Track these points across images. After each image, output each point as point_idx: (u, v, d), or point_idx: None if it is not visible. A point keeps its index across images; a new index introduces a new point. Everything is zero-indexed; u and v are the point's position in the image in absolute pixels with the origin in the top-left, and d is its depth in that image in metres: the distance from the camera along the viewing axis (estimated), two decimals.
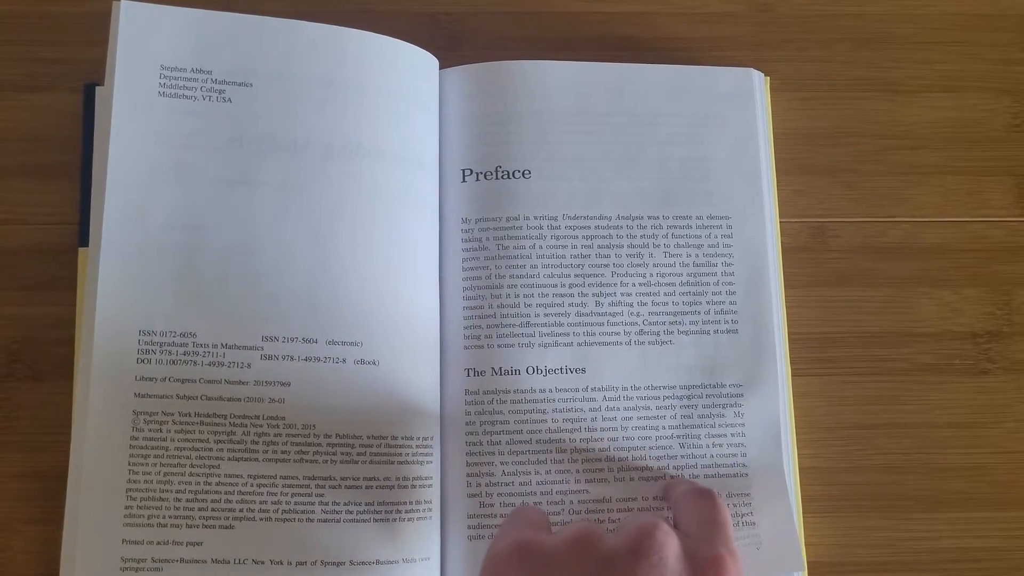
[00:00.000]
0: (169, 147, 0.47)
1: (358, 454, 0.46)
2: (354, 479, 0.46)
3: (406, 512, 0.46)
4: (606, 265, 0.49)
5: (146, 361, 0.45)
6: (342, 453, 0.46)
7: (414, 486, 0.46)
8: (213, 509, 0.45)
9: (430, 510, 0.46)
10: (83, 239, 0.50)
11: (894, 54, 0.54)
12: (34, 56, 0.52)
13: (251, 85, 0.48)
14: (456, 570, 0.46)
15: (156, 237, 0.46)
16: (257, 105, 0.48)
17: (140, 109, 0.47)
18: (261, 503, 0.45)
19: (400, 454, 0.46)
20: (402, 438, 0.46)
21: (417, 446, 0.47)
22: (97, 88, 0.51)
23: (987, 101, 0.54)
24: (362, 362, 0.47)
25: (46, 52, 0.52)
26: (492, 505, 0.47)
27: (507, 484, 0.47)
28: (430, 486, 0.47)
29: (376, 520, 0.45)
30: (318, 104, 0.48)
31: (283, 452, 0.45)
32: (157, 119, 0.47)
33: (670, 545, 0.37)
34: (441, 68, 0.51)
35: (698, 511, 0.41)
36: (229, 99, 0.48)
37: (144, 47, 0.48)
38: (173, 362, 0.45)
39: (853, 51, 0.54)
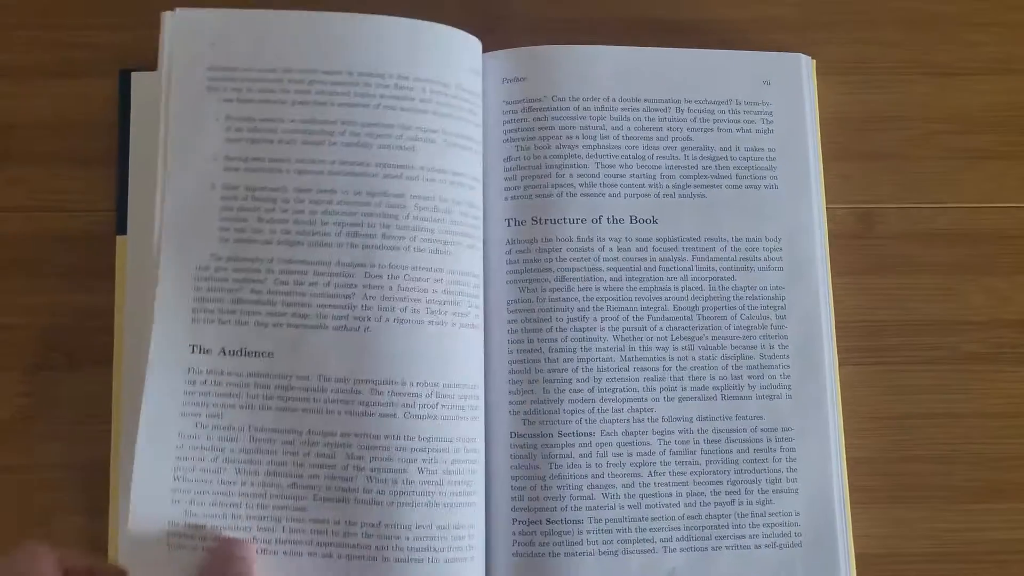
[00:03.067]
0: (216, 144, 0.47)
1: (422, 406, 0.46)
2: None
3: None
4: (644, 258, 0.49)
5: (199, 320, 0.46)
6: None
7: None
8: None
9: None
10: (121, 227, 0.49)
11: (941, 36, 0.53)
12: (68, 41, 0.52)
13: (295, 80, 0.47)
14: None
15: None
16: (300, 97, 0.47)
17: (190, 113, 0.47)
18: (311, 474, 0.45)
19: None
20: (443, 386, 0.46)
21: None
22: (134, 74, 0.50)
23: None
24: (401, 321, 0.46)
25: (80, 37, 0.52)
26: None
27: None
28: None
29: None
30: (366, 94, 0.47)
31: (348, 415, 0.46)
32: (205, 120, 0.47)
33: None
34: (484, 51, 0.50)
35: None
36: (273, 92, 0.47)
37: (192, 50, 0.47)
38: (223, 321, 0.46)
39: (900, 33, 0.53)
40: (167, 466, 0.45)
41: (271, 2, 0.50)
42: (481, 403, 0.47)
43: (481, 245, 0.48)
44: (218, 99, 0.47)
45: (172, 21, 0.47)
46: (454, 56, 0.49)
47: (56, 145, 0.51)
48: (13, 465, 0.48)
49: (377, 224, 0.46)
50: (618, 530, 0.46)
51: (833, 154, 0.52)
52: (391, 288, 0.46)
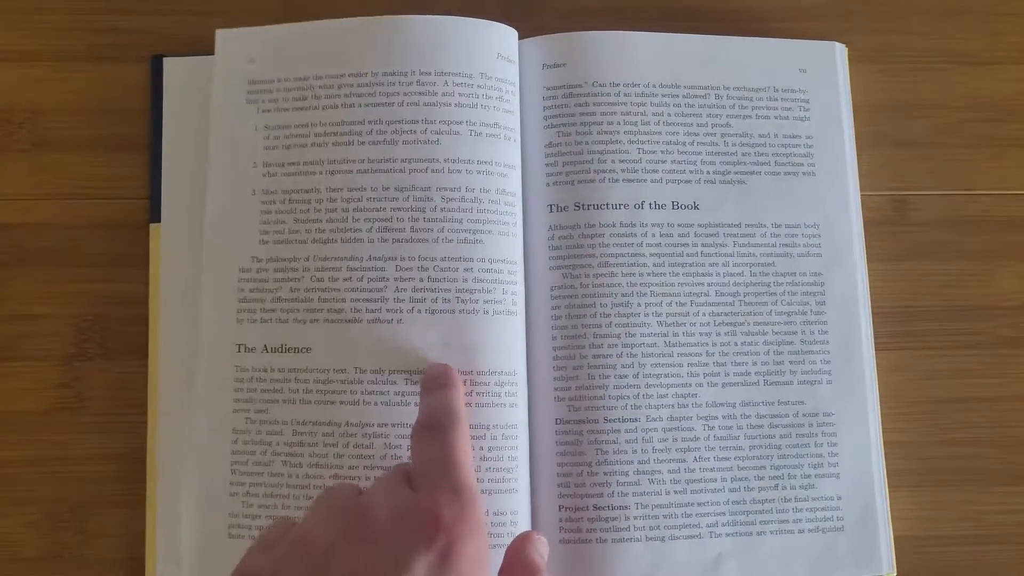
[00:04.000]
0: (256, 151, 0.49)
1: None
2: None
3: None
4: (687, 244, 0.49)
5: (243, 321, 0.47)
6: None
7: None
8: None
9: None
10: (154, 215, 0.48)
11: (971, 25, 0.54)
12: (100, 26, 0.51)
13: (325, 85, 0.49)
14: None
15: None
16: (329, 101, 0.49)
17: (231, 124, 0.49)
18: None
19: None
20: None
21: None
22: (166, 60, 0.49)
23: None
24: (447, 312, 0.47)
25: (112, 22, 0.51)
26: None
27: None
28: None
29: None
30: (390, 92, 0.48)
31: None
32: (245, 130, 0.49)
33: (375, 515, 0.35)
34: (522, 38, 0.50)
35: (425, 452, 0.38)
36: (305, 99, 0.49)
37: (234, 66, 0.50)
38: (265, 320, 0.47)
39: (930, 22, 0.54)
40: (225, 460, 0.46)
41: (325, 11, 0.50)
42: (521, 389, 0.47)
43: (519, 231, 0.48)
44: (257, 110, 0.49)
45: (220, 40, 0.49)
46: (477, 46, 0.49)
47: (88, 131, 0.50)
48: (49, 457, 0.47)
49: (406, 218, 0.47)
50: (664, 516, 0.46)
51: (866, 141, 0.52)
52: (421, 280, 0.46)
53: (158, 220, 0.48)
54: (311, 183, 0.48)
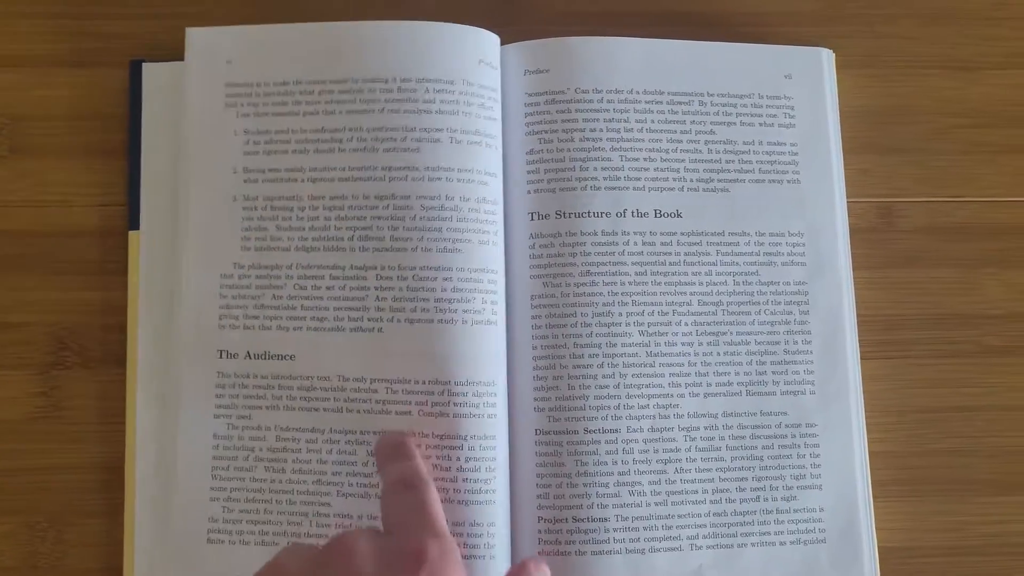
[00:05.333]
0: (236, 157, 0.48)
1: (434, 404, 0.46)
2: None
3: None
4: (669, 252, 0.48)
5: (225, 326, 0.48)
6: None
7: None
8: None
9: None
10: (133, 222, 0.48)
11: (961, 30, 0.53)
12: (78, 31, 0.50)
13: (306, 91, 0.49)
14: None
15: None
16: (310, 108, 0.48)
17: (209, 129, 0.49)
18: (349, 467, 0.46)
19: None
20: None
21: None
22: (145, 65, 0.49)
23: None
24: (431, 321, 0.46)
25: (91, 27, 0.50)
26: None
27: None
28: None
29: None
30: (371, 99, 0.48)
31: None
32: (224, 135, 0.49)
33: (359, 546, 0.36)
34: (504, 43, 0.50)
35: (401, 504, 0.40)
36: (286, 104, 0.49)
37: (211, 68, 0.49)
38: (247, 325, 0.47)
39: (919, 27, 0.53)
40: (205, 465, 0.47)
41: (301, 14, 0.50)
42: (500, 400, 0.46)
43: (499, 240, 0.48)
44: (236, 114, 0.49)
45: (191, 39, 0.49)
46: (458, 52, 0.49)
47: (67, 138, 0.49)
48: (27, 467, 0.47)
49: (385, 227, 0.47)
50: (644, 528, 0.46)
51: (853, 148, 0.51)
52: (401, 289, 0.47)
53: (137, 227, 0.48)
54: (293, 190, 0.48)
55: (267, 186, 0.48)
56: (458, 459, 0.45)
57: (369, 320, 0.47)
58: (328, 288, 0.47)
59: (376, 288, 0.47)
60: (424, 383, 0.46)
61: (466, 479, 0.45)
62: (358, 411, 0.46)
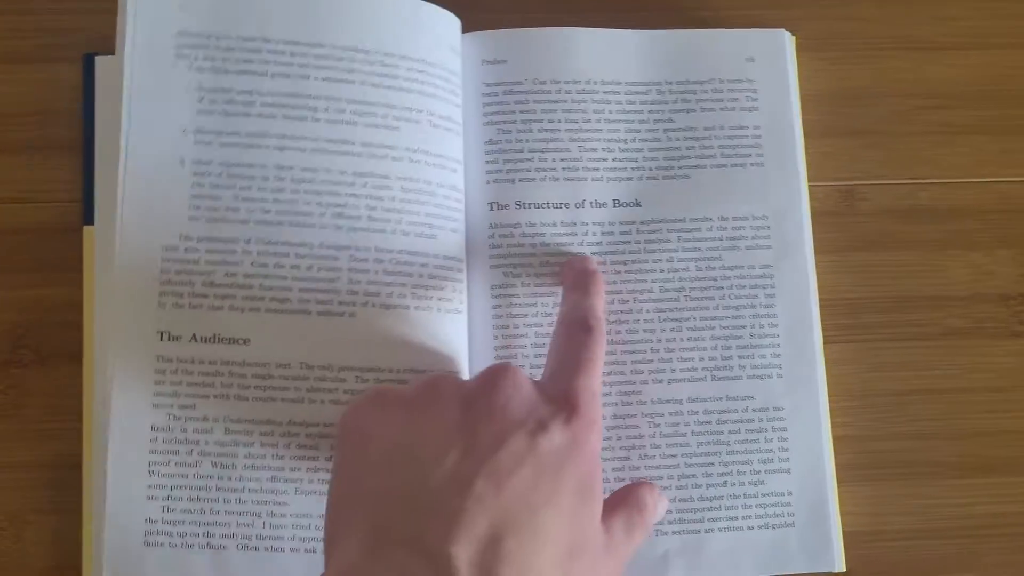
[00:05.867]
0: (186, 116, 0.45)
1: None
2: None
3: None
4: (628, 241, 0.48)
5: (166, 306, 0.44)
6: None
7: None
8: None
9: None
10: (88, 217, 0.47)
11: (920, 11, 0.53)
12: (31, 26, 0.50)
13: (276, 51, 0.46)
14: None
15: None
16: (280, 69, 0.46)
17: (155, 81, 0.45)
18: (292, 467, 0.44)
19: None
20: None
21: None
22: (98, 58, 0.48)
23: (1017, 57, 0.53)
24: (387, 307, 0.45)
25: (44, 22, 0.50)
26: None
27: None
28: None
29: None
30: (351, 69, 0.46)
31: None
32: (173, 90, 0.45)
33: (522, 381, 0.37)
34: (463, 32, 0.49)
35: (569, 343, 0.40)
36: (252, 62, 0.46)
37: (158, 12, 0.45)
38: (193, 306, 0.44)
39: (878, 8, 0.53)
40: (141, 461, 0.43)
41: None
42: None
43: (463, 229, 0.47)
44: (188, 68, 0.45)
45: None
46: (436, 34, 0.48)
47: (20, 133, 0.49)
48: None
49: (362, 206, 0.45)
50: None
51: (814, 131, 0.51)
52: (377, 272, 0.45)
53: (91, 222, 0.47)
54: (255, 157, 0.45)
55: (224, 151, 0.45)
56: None
57: (340, 304, 0.44)
58: (293, 267, 0.44)
59: (349, 270, 0.44)
60: (397, 372, 0.45)
61: None
62: (322, 402, 0.44)
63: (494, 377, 0.37)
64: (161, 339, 0.44)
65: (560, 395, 0.37)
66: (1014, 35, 0.53)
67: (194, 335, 0.44)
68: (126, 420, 0.43)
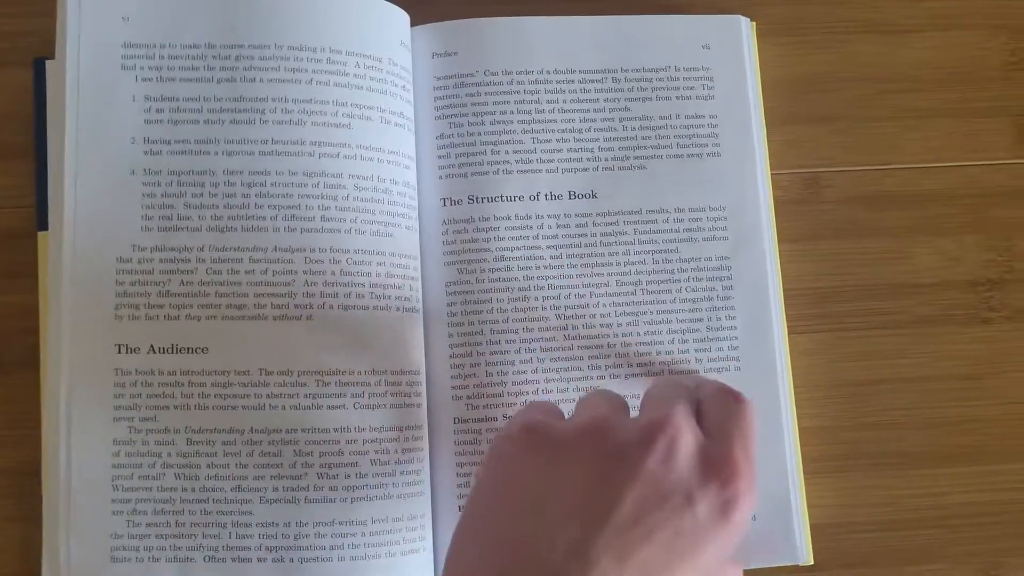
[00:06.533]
0: (134, 126, 0.45)
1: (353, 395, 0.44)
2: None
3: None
4: (584, 234, 0.47)
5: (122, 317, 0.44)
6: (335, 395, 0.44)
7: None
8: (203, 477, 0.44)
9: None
10: (42, 223, 0.47)
11: None
12: None
13: (220, 56, 0.45)
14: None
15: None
16: (225, 74, 0.45)
17: (101, 93, 0.45)
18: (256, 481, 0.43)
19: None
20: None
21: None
22: (48, 63, 0.48)
23: (982, 39, 0.52)
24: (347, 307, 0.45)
25: None
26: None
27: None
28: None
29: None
30: (297, 68, 0.46)
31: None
32: (119, 100, 0.45)
33: (683, 439, 0.35)
34: (412, 25, 0.49)
35: (725, 411, 0.38)
36: (197, 69, 0.45)
37: (102, 25, 0.45)
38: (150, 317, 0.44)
39: None
40: (104, 475, 0.43)
41: None
42: (424, 389, 0.46)
43: (416, 226, 0.47)
44: (134, 78, 0.45)
45: None
46: (384, 29, 0.47)
47: None
48: None
49: (316, 206, 0.45)
50: None
51: (776, 119, 0.50)
52: (333, 273, 0.44)
53: (46, 228, 0.47)
54: (204, 164, 0.45)
55: (173, 159, 0.45)
56: (395, 452, 0.44)
57: (296, 307, 0.44)
58: (247, 272, 0.44)
59: (305, 272, 0.44)
60: (360, 374, 0.44)
61: (403, 471, 0.44)
62: (283, 407, 0.44)
63: (653, 432, 0.35)
64: (119, 352, 0.44)
65: (722, 457, 0.35)
66: (980, 15, 0.52)
67: (152, 346, 0.44)
68: (87, 435, 0.43)
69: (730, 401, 0.38)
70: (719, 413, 0.38)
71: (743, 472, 0.35)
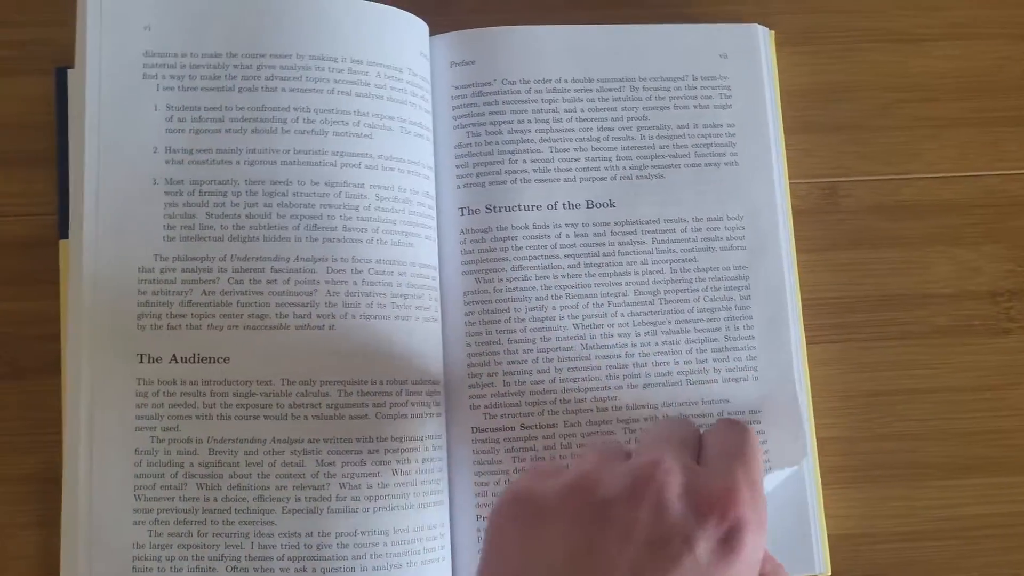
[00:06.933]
0: (156, 135, 0.45)
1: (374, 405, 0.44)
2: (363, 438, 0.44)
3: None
4: (602, 243, 0.47)
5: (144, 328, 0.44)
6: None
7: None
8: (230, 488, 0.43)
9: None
10: (63, 231, 0.47)
11: (901, 2, 0.52)
12: (2, 39, 0.50)
13: (242, 65, 0.46)
14: None
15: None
16: (247, 83, 0.45)
17: (123, 103, 0.45)
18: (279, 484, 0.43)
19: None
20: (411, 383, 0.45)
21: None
22: (70, 72, 0.48)
23: (1001, 48, 0.52)
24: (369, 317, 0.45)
25: (14, 34, 0.50)
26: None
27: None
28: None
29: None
30: (319, 78, 0.46)
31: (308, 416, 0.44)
32: (141, 110, 0.45)
33: (671, 484, 0.33)
34: (431, 34, 0.49)
35: (724, 440, 0.36)
36: (218, 78, 0.45)
37: (124, 34, 0.45)
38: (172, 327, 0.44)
39: (858, 1, 0.52)
40: (126, 485, 0.43)
41: None
42: (443, 399, 0.46)
43: (436, 236, 0.47)
44: (155, 87, 0.45)
45: (100, 2, 0.45)
46: (404, 40, 0.47)
47: None
48: None
49: (337, 216, 0.45)
50: None
51: (794, 127, 0.50)
52: (355, 283, 0.44)
53: (67, 236, 0.47)
54: (227, 173, 0.45)
55: (195, 168, 0.45)
56: (416, 461, 0.44)
57: (319, 317, 0.44)
58: (269, 282, 0.44)
59: (327, 282, 0.44)
60: (381, 383, 0.44)
61: (423, 481, 0.44)
62: (305, 417, 0.44)
63: (640, 478, 0.33)
64: (141, 361, 0.44)
65: (718, 489, 0.33)
66: (998, 25, 0.52)
67: (174, 355, 0.44)
68: (109, 444, 0.43)
69: (729, 429, 0.37)
70: (718, 444, 0.37)
71: (742, 499, 0.33)
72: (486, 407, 0.46)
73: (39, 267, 0.48)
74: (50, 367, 0.47)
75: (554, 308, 0.47)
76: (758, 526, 0.33)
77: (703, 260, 0.48)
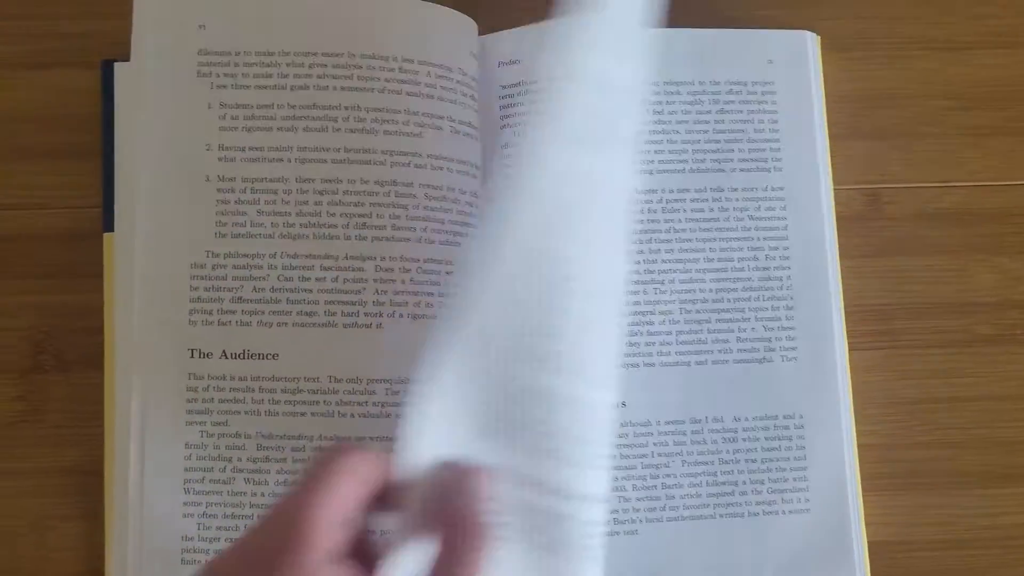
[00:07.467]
0: (209, 133, 0.45)
1: None
2: None
3: None
4: (644, 252, 0.47)
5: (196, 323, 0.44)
6: None
7: None
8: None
9: None
10: (108, 223, 0.47)
11: (946, 10, 0.52)
12: (47, 31, 0.50)
13: (294, 63, 0.46)
14: None
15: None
16: (299, 82, 0.46)
17: (177, 101, 0.45)
18: None
19: None
20: None
21: None
22: (117, 65, 0.48)
23: None
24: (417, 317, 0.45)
25: (60, 26, 0.50)
26: None
27: None
28: None
29: None
30: (370, 77, 0.46)
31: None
32: (195, 108, 0.45)
33: None
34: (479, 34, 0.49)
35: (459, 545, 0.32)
36: (270, 76, 0.46)
37: (178, 33, 0.46)
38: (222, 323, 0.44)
39: (906, 7, 0.52)
40: (176, 479, 0.43)
41: None
42: None
43: None
44: (209, 85, 0.46)
45: (153, 1, 0.46)
46: (454, 39, 0.47)
47: (38, 140, 0.49)
48: (6, 470, 0.47)
49: (387, 215, 0.45)
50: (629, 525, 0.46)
51: (838, 134, 0.50)
52: (403, 282, 0.44)
53: (112, 229, 0.47)
54: (277, 171, 0.45)
55: (247, 166, 0.45)
56: None
57: (366, 315, 0.44)
58: (318, 279, 0.44)
59: (375, 280, 0.44)
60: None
61: None
62: (352, 415, 0.44)
63: None
64: (192, 356, 0.44)
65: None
66: None
67: (224, 351, 0.44)
68: (160, 439, 0.44)
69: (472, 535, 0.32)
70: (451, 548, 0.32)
71: None
72: None
73: (83, 260, 0.48)
74: (94, 360, 0.47)
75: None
76: None
77: (748, 267, 0.48)
